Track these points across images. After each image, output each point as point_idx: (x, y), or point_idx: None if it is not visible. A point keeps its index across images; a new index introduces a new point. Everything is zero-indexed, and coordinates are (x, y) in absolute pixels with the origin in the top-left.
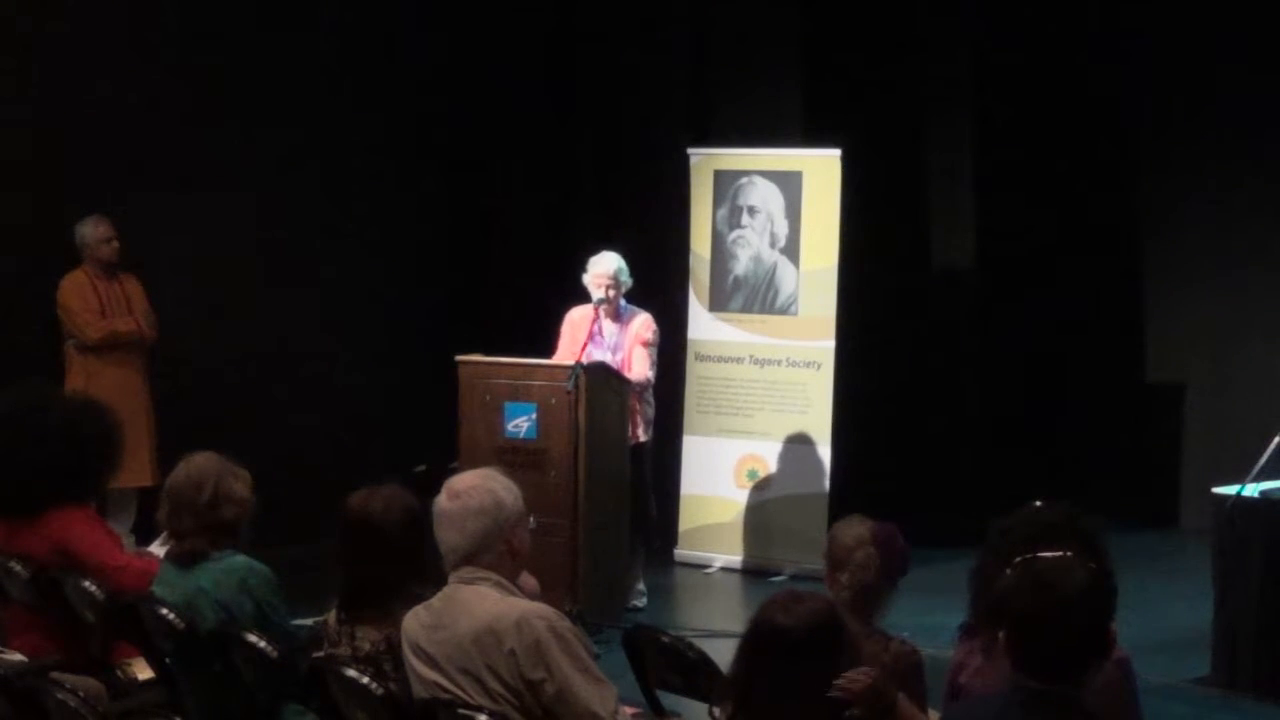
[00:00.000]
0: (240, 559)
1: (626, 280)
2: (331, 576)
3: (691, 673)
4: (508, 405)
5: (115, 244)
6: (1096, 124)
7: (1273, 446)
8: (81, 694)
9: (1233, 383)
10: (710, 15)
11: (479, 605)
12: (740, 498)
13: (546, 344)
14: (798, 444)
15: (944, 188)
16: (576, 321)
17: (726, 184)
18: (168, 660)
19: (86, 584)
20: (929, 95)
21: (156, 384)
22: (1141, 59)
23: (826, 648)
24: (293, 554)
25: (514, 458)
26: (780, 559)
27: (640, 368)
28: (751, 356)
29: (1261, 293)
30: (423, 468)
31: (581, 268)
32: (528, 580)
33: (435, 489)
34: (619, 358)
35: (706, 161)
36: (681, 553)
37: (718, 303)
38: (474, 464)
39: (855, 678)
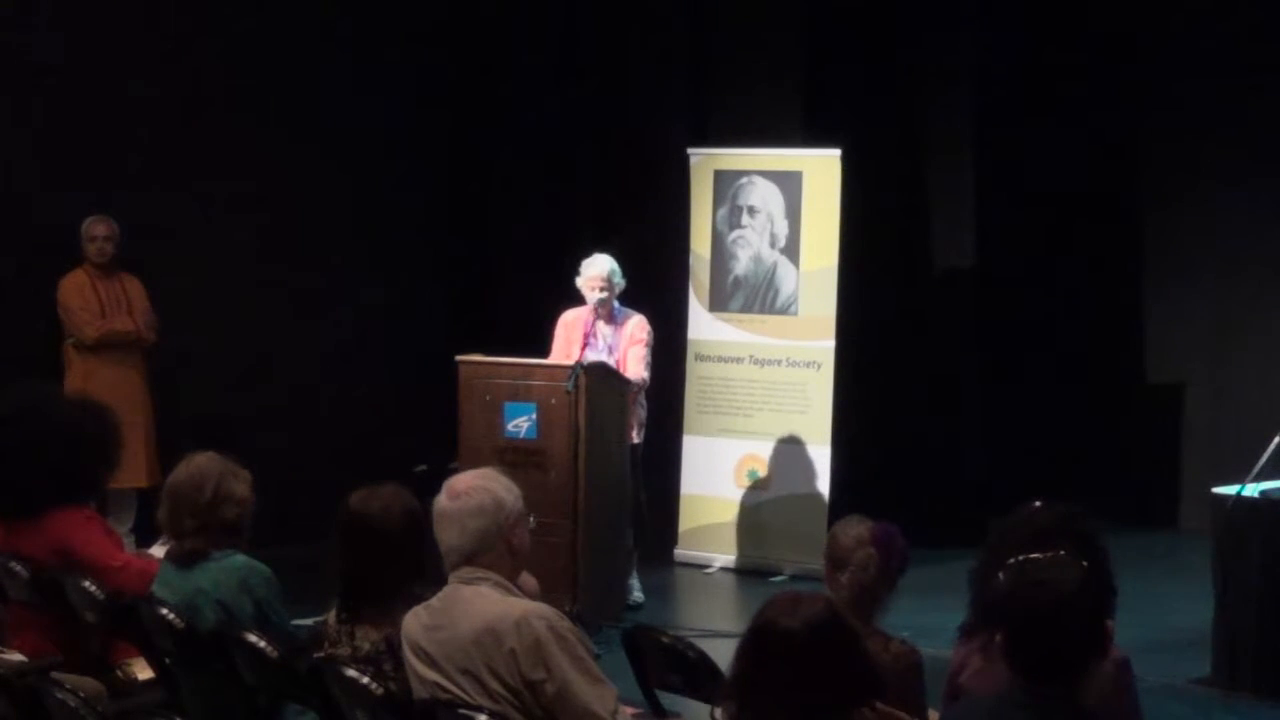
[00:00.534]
0: (240, 559)
1: (620, 282)
2: (331, 576)
3: (691, 673)
4: (508, 405)
5: (102, 244)
6: (1097, 124)
7: (1273, 446)
8: (81, 694)
9: (1233, 383)
10: (710, 15)
11: (479, 605)
12: (740, 498)
13: (547, 344)
14: (798, 444)
15: (944, 188)
16: (570, 323)
17: (726, 184)
18: (168, 660)
19: (86, 584)
20: (929, 95)
21: (156, 384)
22: (1141, 59)
23: (827, 649)
24: (293, 554)
25: (514, 458)
26: (780, 559)
27: (635, 369)
28: (751, 356)
29: (1261, 293)
30: (423, 468)
31: (578, 269)
32: (528, 580)
33: (435, 489)
34: (614, 360)
35: (706, 161)
36: (681, 553)
37: (718, 303)
38: (474, 464)
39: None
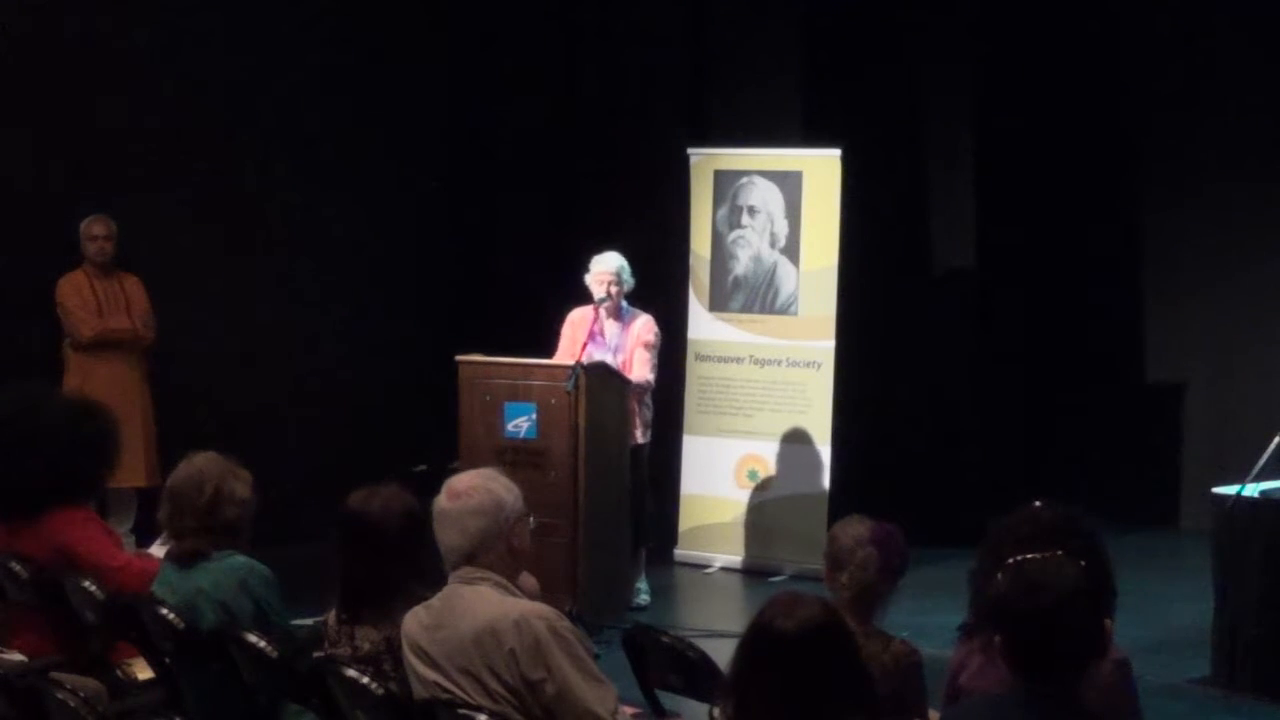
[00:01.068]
0: (240, 559)
1: (629, 280)
2: (331, 576)
3: (691, 673)
4: (508, 405)
5: (102, 243)
6: (1097, 124)
7: (1273, 446)
8: (81, 694)
9: (1233, 383)
10: (710, 15)
11: (479, 605)
12: (740, 498)
13: (547, 344)
14: (798, 444)
15: (944, 188)
16: (576, 322)
17: (726, 184)
18: (168, 660)
19: (86, 584)
20: (929, 95)
21: (156, 384)
22: (1142, 59)
23: (825, 651)
24: (293, 554)
25: (514, 458)
26: (780, 559)
27: (640, 370)
28: (751, 356)
29: (1261, 293)
30: (423, 468)
31: (582, 268)
32: (528, 580)
33: (435, 489)
34: (620, 359)
35: (706, 161)
36: (681, 553)
37: (718, 303)
38: (474, 464)
39: None
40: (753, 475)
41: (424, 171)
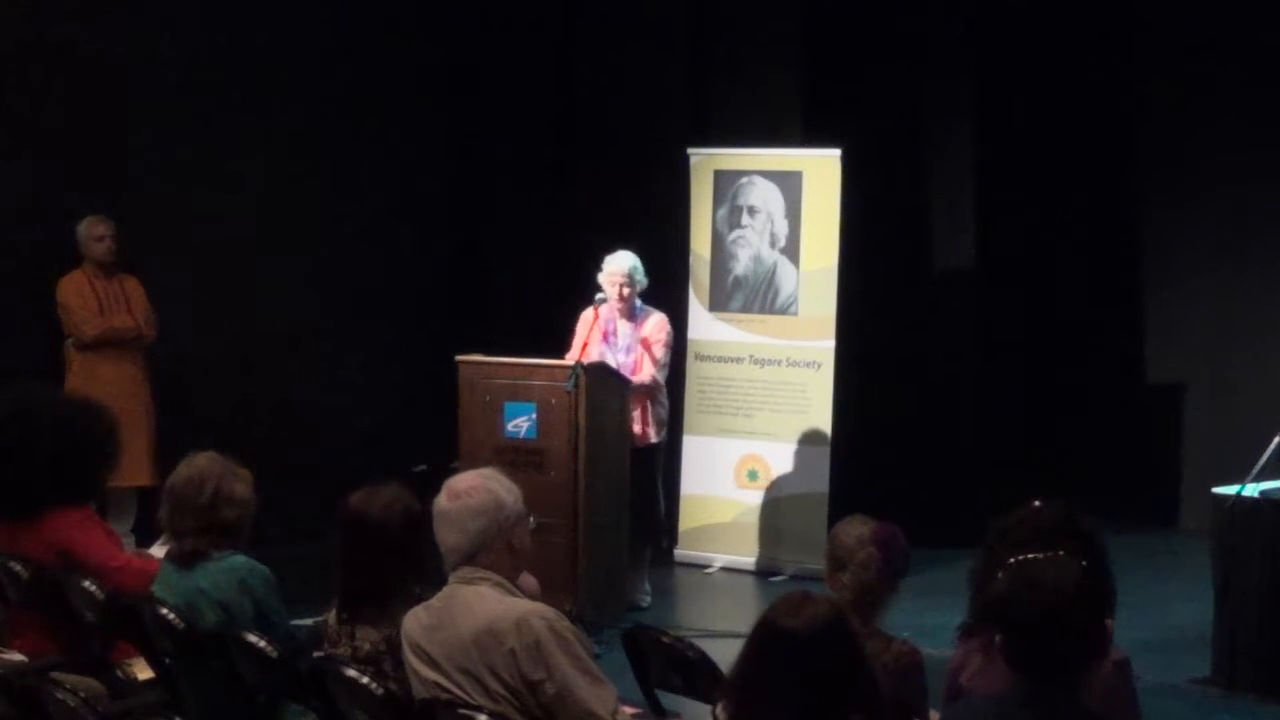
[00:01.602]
0: (240, 559)
1: (641, 280)
2: (331, 576)
3: (692, 673)
4: (508, 405)
5: (109, 243)
6: (1097, 124)
7: (1273, 446)
8: (81, 694)
9: (1233, 383)
10: (710, 15)
11: (479, 605)
12: (740, 498)
13: (547, 344)
14: (798, 444)
15: (944, 188)
16: (588, 318)
17: (726, 184)
18: (168, 660)
19: (86, 584)
20: (929, 95)
21: (157, 383)
22: (1142, 59)
23: (831, 650)
24: (293, 554)
25: (514, 458)
26: (780, 559)
27: (647, 369)
28: (751, 356)
29: (1261, 293)
30: (423, 468)
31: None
32: (528, 580)
33: (435, 489)
34: (632, 358)
35: (706, 161)
36: (681, 553)
37: (718, 303)
38: (474, 464)
39: None
40: (753, 475)
41: (424, 172)
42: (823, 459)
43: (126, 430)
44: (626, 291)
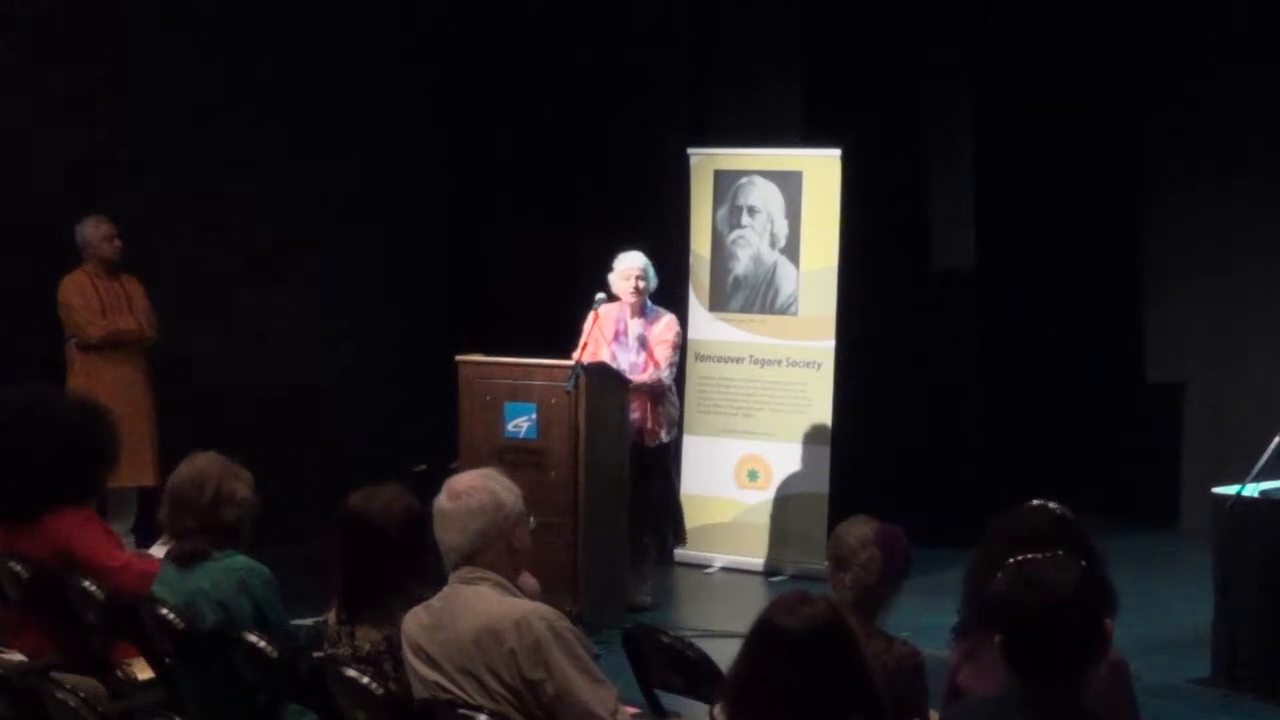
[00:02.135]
0: (240, 559)
1: (653, 278)
2: (331, 576)
3: (691, 673)
4: (508, 405)
5: (117, 242)
6: (1096, 124)
7: (1273, 446)
8: (81, 694)
9: (1233, 383)
10: (710, 15)
11: (479, 605)
12: (740, 498)
13: (547, 344)
14: (798, 444)
15: (944, 188)
16: (601, 317)
17: (726, 184)
18: (168, 660)
19: (86, 584)
20: (929, 95)
21: (157, 383)
22: (1141, 59)
23: (829, 650)
24: (293, 554)
25: (514, 458)
26: (780, 559)
27: (653, 369)
28: (751, 356)
29: (1261, 293)
30: (423, 468)
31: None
32: (528, 580)
33: (435, 489)
34: (644, 357)
35: (706, 161)
36: (682, 553)
37: (718, 303)
38: (474, 464)
39: None
40: (753, 475)
41: (424, 172)
42: (823, 459)
43: (127, 430)
44: (641, 285)
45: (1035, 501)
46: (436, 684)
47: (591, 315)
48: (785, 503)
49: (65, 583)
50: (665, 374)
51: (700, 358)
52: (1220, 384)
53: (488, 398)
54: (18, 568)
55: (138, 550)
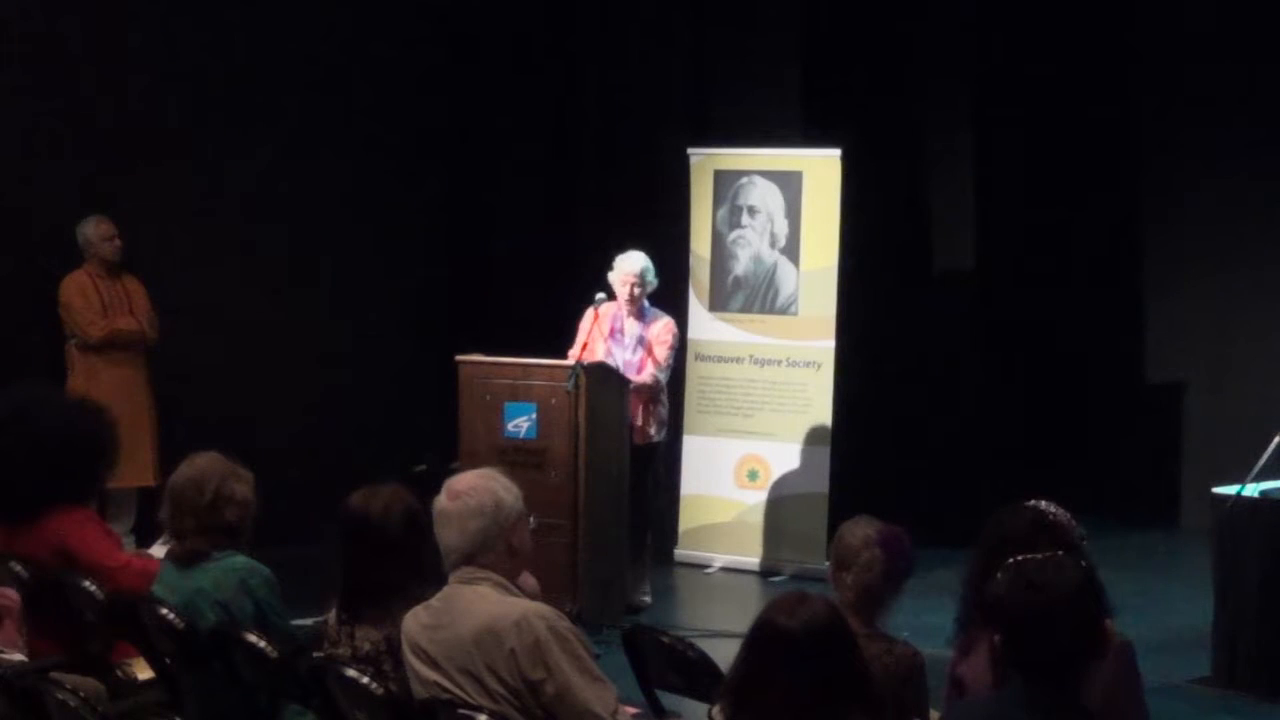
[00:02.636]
0: (240, 559)
1: (652, 281)
2: (331, 576)
3: (691, 673)
4: (508, 405)
5: (118, 242)
6: (1096, 124)
7: (1273, 446)
8: (81, 694)
9: (1233, 383)
10: (710, 15)
11: (479, 605)
12: (740, 498)
13: (546, 344)
14: (798, 444)
15: (944, 188)
16: (589, 320)
17: (726, 184)
18: (168, 660)
19: (86, 584)
20: (929, 95)
21: (157, 383)
22: (1141, 59)
23: (828, 650)
24: (293, 554)
25: (514, 458)
26: (780, 559)
27: (649, 369)
28: (751, 356)
29: (1261, 293)
30: (423, 468)
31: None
32: (528, 580)
33: (435, 489)
34: (638, 357)
35: (706, 161)
36: (681, 553)
37: (718, 303)
38: (474, 464)
39: None
40: (753, 475)
41: (424, 172)
42: (823, 459)
43: (127, 431)
44: (637, 292)
45: (1030, 502)
46: (436, 684)
47: (591, 313)
48: (785, 503)
49: (65, 583)
50: (663, 375)
51: (700, 358)
52: (1220, 384)
53: (488, 398)
54: (18, 568)
55: (138, 550)
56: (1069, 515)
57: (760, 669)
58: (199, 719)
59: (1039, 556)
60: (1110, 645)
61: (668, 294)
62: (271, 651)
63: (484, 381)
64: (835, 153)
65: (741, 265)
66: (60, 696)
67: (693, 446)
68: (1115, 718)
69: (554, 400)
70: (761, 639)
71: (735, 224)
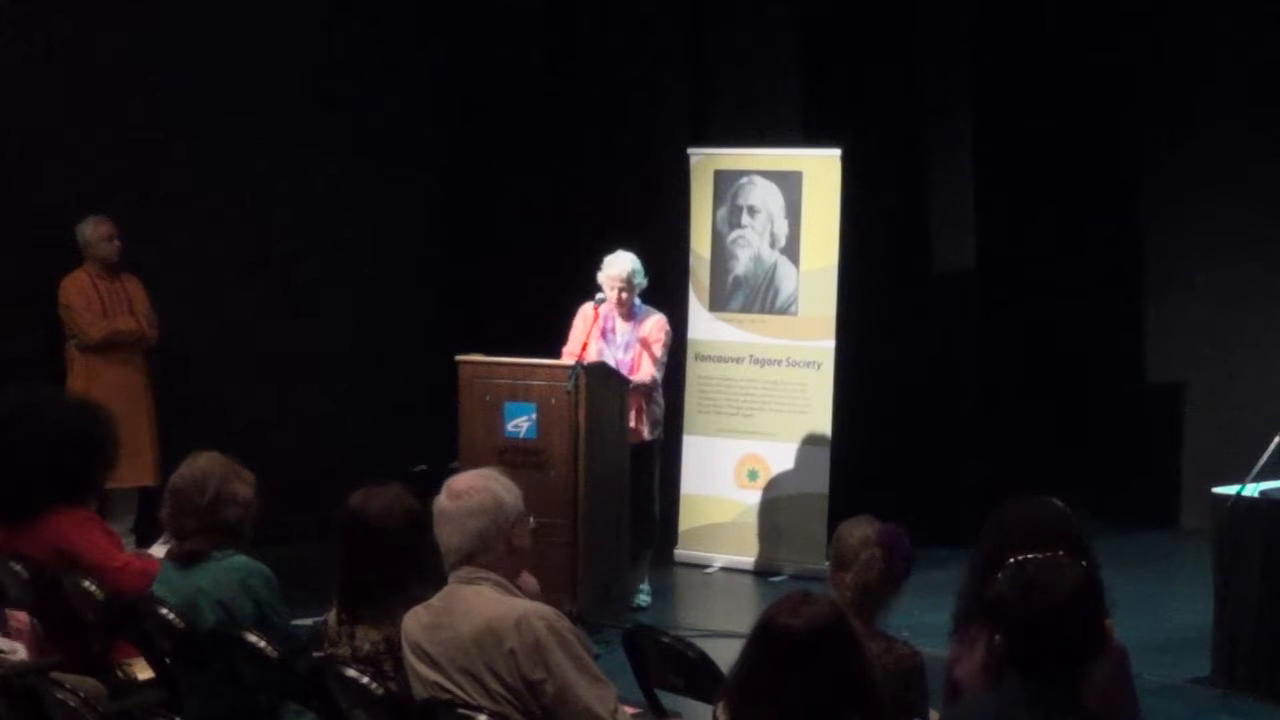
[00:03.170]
0: (240, 559)
1: (641, 281)
2: (331, 576)
3: (692, 673)
4: (508, 405)
5: (117, 243)
6: (1096, 124)
7: (1273, 446)
8: (81, 694)
9: (1233, 383)
10: (710, 15)
11: (479, 605)
12: (740, 498)
13: (546, 344)
14: (798, 444)
15: (944, 188)
16: (588, 315)
17: (726, 184)
18: (168, 660)
19: (86, 584)
20: (929, 95)
21: (158, 384)
22: (1141, 59)
23: (831, 650)
24: (293, 554)
25: (514, 458)
26: (780, 559)
27: (646, 368)
28: (751, 356)
29: (1261, 293)
30: (423, 468)
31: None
32: (528, 580)
33: (435, 489)
34: (630, 356)
35: (706, 161)
36: (681, 553)
37: (718, 303)
38: (474, 464)
39: None
40: (753, 475)
41: (424, 172)
42: (823, 459)
43: (127, 431)
44: (625, 295)
45: (1036, 497)
46: (436, 684)
47: (591, 310)
48: (785, 503)
49: (65, 583)
50: (659, 374)
51: (700, 357)
52: (1220, 384)
53: (488, 398)
54: (18, 568)
55: (138, 550)
56: (1072, 514)
57: (764, 669)
58: (199, 719)
59: (1040, 556)
60: (1111, 645)
61: (668, 294)
62: (271, 651)
63: (484, 381)
64: (835, 153)
65: (741, 265)
66: (60, 696)
67: (693, 446)
68: (1113, 717)
69: (554, 400)
70: (766, 639)
71: (735, 224)
